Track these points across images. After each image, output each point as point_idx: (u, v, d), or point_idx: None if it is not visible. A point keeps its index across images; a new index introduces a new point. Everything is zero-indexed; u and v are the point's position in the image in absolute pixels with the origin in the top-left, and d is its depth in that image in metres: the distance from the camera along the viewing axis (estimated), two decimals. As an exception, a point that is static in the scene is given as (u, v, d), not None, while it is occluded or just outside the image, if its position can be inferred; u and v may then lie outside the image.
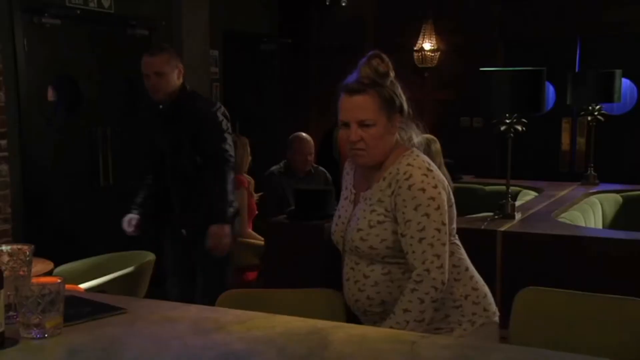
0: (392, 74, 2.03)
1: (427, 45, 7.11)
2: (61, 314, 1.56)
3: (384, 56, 2.03)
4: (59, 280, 1.56)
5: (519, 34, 6.91)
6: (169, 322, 1.69)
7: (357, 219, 2.05)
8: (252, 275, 4.35)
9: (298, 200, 3.70)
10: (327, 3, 5.15)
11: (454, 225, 2.08)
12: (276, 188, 4.82)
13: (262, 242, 3.95)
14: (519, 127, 3.47)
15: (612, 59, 6.32)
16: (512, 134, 3.47)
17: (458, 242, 2.11)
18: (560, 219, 3.62)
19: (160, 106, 3.48)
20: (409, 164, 1.98)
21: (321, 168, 5.20)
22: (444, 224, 1.95)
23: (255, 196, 4.68)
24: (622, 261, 2.99)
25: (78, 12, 4.90)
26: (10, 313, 1.60)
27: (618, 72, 4.70)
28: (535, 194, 4.48)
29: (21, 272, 1.66)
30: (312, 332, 1.58)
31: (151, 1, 5.53)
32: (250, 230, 4.53)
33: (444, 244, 1.94)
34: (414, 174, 1.96)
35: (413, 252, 1.94)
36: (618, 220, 4.52)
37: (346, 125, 2.01)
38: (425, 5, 7.02)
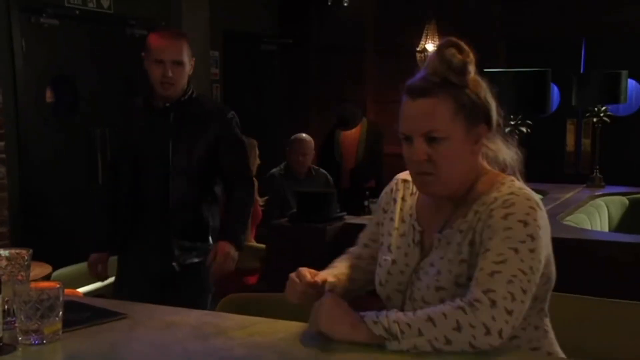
0: (471, 68, 1.52)
1: (430, 46, 7.08)
2: (60, 320, 1.53)
3: (463, 44, 1.54)
4: (57, 285, 1.53)
5: (521, 35, 6.87)
6: (169, 327, 1.66)
7: (435, 273, 1.52)
8: (252, 279, 4.31)
9: (299, 203, 3.68)
10: (329, 3, 5.11)
11: (549, 293, 1.58)
12: (277, 190, 4.80)
13: (263, 246, 3.92)
14: (524, 129, 3.45)
15: (617, 59, 6.28)
16: (516, 136, 3.43)
17: (549, 327, 1.62)
18: (565, 222, 3.59)
19: (167, 104, 2.77)
20: (512, 193, 1.48)
21: (322, 170, 5.18)
22: (533, 272, 1.42)
23: (260, 200, 4.61)
24: (628, 265, 2.95)
25: (77, 12, 4.86)
26: (8, 319, 1.58)
27: (624, 73, 4.66)
28: (540, 196, 4.42)
29: (19, 277, 1.64)
30: (315, 338, 1.53)
31: (151, 1, 5.49)
32: (251, 238, 4.46)
33: (525, 292, 1.40)
34: (517, 203, 1.46)
35: (477, 283, 1.41)
36: (624, 223, 4.49)
37: (408, 139, 1.52)
38: (426, 6, 6.99)
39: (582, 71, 6.52)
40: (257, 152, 4.55)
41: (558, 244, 3.08)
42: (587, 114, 4.89)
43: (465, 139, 1.51)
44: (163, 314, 1.77)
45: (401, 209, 1.66)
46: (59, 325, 1.53)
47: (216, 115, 2.85)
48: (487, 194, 1.50)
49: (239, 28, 6.59)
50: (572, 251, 3.09)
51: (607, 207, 4.40)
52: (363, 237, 1.79)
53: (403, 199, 1.67)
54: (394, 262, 1.61)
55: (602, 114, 4.64)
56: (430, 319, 1.37)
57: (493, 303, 1.36)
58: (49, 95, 4.80)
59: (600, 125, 4.71)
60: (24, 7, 4.52)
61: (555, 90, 6.62)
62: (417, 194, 1.64)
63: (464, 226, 1.51)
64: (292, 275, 1.61)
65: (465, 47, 1.53)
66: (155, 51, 2.71)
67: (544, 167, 6.61)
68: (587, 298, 2.01)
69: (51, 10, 4.67)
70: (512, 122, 3.44)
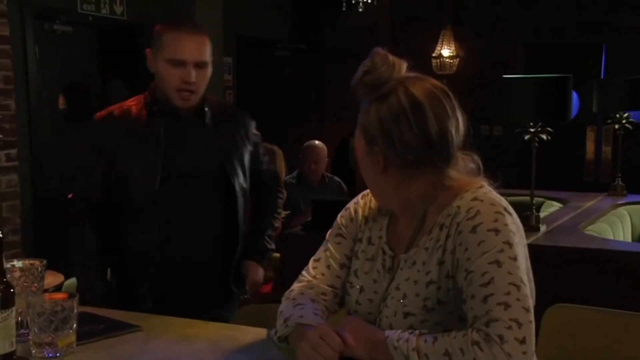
0: (386, 86, 1.39)
1: (446, 52, 7.03)
2: (74, 332, 1.52)
3: (390, 59, 1.41)
4: (72, 297, 1.52)
5: (539, 39, 6.81)
6: (185, 340, 1.64)
7: (401, 297, 1.41)
8: (266, 288, 4.26)
9: (314, 211, 3.62)
10: (343, 9, 5.08)
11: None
12: (290, 199, 4.75)
13: (277, 255, 3.87)
14: (544, 136, 3.38)
15: (639, 64, 6.19)
16: (536, 143, 3.37)
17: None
18: (587, 232, 3.52)
19: (180, 112, 2.21)
20: (475, 199, 1.37)
21: (336, 178, 5.14)
22: (524, 283, 1.30)
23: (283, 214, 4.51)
24: (653, 276, 2.88)
25: (90, 18, 4.85)
26: (22, 331, 1.57)
27: (646, 78, 4.58)
28: (560, 205, 4.38)
29: (33, 288, 1.64)
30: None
31: (163, 8, 5.47)
32: None
33: (527, 309, 1.27)
34: (482, 211, 1.34)
35: (474, 316, 1.29)
36: (648, 233, 4.39)
37: None
38: (443, 11, 6.95)
39: (602, 76, 6.44)
40: (284, 161, 4.50)
41: (580, 254, 3.08)
42: (609, 121, 4.81)
43: (366, 153, 1.43)
44: (178, 326, 1.75)
45: (370, 229, 1.53)
46: (73, 338, 1.52)
47: (244, 120, 2.39)
48: (451, 204, 1.38)
49: (253, 34, 6.57)
50: (595, 262, 3.04)
51: (630, 216, 4.32)
52: (338, 255, 1.56)
53: (373, 219, 1.54)
54: (361, 289, 1.49)
55: (624, 121, 4.56)
56: (447, 354, 1.26)
57: (501, 338, 1.23)
58: (61, 102, 4.79)
59: (622, 132, 4.63)
60: (37, 14, 4.51)
61: (574, 96, 6.53)
62: (387, 216, 1.51)
63: (429, 243, 1.39)
64: (318, 340, 1.35)
65: (391, 62, 1.39)
66: (172, 49, 2.14)
67: (563, 175, 6.55)
68: (614, 311, 1.95)
69: (64, 17, 4.67)
70: (532, 130, 3.37)
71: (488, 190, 1.41)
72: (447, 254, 1.36)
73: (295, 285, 1.58)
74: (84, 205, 2.26)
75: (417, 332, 1.32)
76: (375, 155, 1.41)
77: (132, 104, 2.24)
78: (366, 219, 1.55)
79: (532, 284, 1.42)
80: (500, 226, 1.32)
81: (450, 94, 1.42)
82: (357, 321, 1.44)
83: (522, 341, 1.24)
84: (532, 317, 1.28)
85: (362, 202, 1.58)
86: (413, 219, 1.45)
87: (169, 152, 2.17)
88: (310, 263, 1.60)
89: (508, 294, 1.27)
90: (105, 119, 2.25)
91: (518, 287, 1.27)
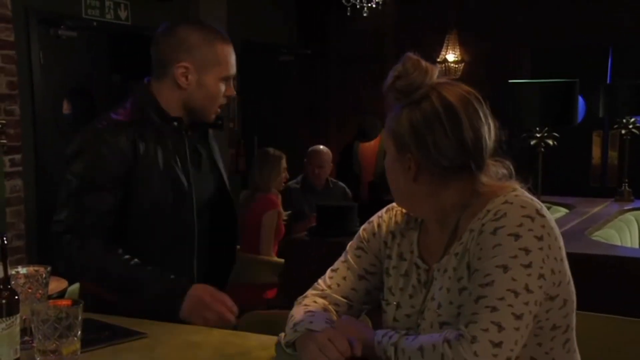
0: (419, 91, 1.38)
1: (451, 57, 7.01)
2: (79, 339, 1.49)
3: (423, 64, 1.41)
4: (76, 304, 1.50)
5: (544, 44, 6.77)
6: (191, 347, 1.63)
7: (436, 307, 1.37)
8: (271, 294, 4.25)
9: (319, 216, 3.61)
10: (348, 13, 5.07)
11: (573, 320, 1.40)
12: (294, 204, 4.74)
13: (282, 260, 3.86)
14: (550, 141, 3.36)
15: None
16: (542, 148, 3.35)
17: (576, 348, 1.43)
18: (594, 238, 3.49)
19: (177, 123, 2.00)
20: (506, 202, 1.33)
21: (340, 183, 5.13)
22: (530, 291, 1.25)
23: (284, 214, 4.52)
24: (662, 283, 2.85)
25: (94, 23, 4.85)
26: (26, 338, 1.55)
27: (653, 83, 4.56)
28: (566, 210, 4.35)
29: (37, 295, 1.62)
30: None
31: (168, 12, 5.47)
32: (273, 253, 4.38)
33: (519, 316, 1.24)
34: (509, 214, 1.30)
35: (463, 315, 1.30)
36: (656, 239, 4.36)
37: None
38: (448, 16, 6.92)
39: (608, 81, 6.41)
40: (285, 166, 4.48)
41: (586, 260, 3.05)
42: (616, 126, 4.78)
43: (397, 160, 1.40)
44: (184, 333, 1.74)
45: (398, 245, 1.50)
46: (78, 345, 1.49)
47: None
48: (482, 209, 1.35)
49: (257, 39, 6.56)
50: (601, 268, 3.02)
51: (637, 222, 4.29)
52: (357, 267, 1.55)
53: (401, 234, 1.50)
54: (398, 306, 1.46)
55: (630, 126, 4.54)
56: (421, 349, 1.27)
57: (474, 338, 1.22)
58: (66, 107, 4.78)
59: (629, 137, 4.60)
60: (42, 19, 4.51)
61: (580, 101, 6.51)
62: (417, 229, 1.48)
63: (459, 248, 1.35)
64: (326, 341, 1.35)
65: (424, 67, 1.38)
66: (225, 64, 1.97)
67: (569, 180, 6.51)
68: (617, 318, 1.94)
69: (69, 22, 4.67)
70: (538, 135, 3.35)
71: (521, 193, 1.37)
72: (470, 256, 1.33)
73: (310, 292, 1.59)
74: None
75: (403, 332, 1.34)
76: (407, 162, 1.38)
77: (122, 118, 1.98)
78: (393, 234, 1.52)
79: (571, 290, 1.38)
80: (523, 231, 1.28)
81: (482, 99, 1.41)
82: (348, 320, 1.45)
83: (497, 345, 1.22)
84: (522, 324, 1.24)
85: (386, 217, 1.55)
86: (445, 227, 1.41)
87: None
88: (328, 272, 1.60)
89: (502, 299, 1.24)
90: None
91: (517, 294, 1.24)
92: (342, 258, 1.59)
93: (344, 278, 1.55)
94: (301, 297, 1.59)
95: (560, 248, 1.34)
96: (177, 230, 1.95)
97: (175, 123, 1.98)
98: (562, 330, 1.38)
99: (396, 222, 1.52)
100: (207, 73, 1.96)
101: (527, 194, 1.38)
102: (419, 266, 1.45)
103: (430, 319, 1.38)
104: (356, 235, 1.59)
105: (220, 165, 2.13)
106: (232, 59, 1.98)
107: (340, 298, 1.54)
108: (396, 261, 1.49)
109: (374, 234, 1.55)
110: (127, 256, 1.87)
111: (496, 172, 1.41)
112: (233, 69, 1.99)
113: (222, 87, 1.98)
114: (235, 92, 2.03)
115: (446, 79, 1.42)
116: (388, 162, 1.44)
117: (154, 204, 1.91)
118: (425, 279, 1.43)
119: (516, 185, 1.40)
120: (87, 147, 1.94)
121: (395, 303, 1.47)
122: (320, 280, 1.60)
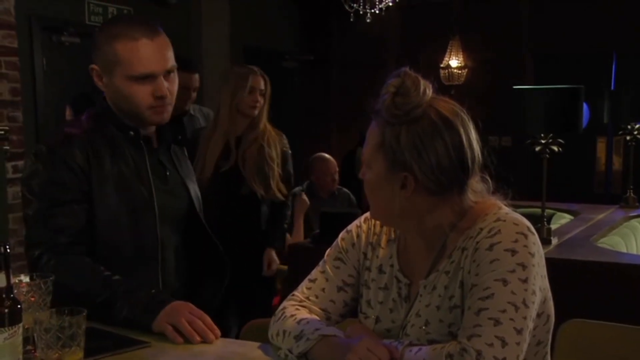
0: (415, 111, 1.34)
1: (454, 62, 7.00)
2: (82, 349, 1.48)
3: (419, 81, 1.38)
4: (80, 313, 1.49)
5: (549, 49, 6.77)
6: (194, 356, 1.62)
7: (422, 324, 1.38)
8: (274, 300, 4.22)
9: (322, 223, 3.59)
10: (351, 19, 5.07)
11: (548, 341, 1.43)
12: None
13: (285, 267, 3.84)
14: (555, 148, 3.34)
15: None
16: (547, 155, 3.33)
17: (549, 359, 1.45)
18: (599, 244, 3.47)
19: (133, 133, 1.96)
20: (498, 220, 1.34)
21: (344, 189, 5.11)
22: (527, 306, 1.26)
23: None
24: (668, 290, 2.83)
25: (97, 30, 4.85)
26: (28, 347, 1.53)
27: (658, 89, 4.55)
28: (571, 217, 4.34)
29: (40, 304, 1.59)
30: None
31: (171, 18, 5.47)
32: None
33: (520, 331, 1.24)
34: (503, 231, 1.32)
35: (463, 327, 1.28)
36: (662, 246, 4.33)
37: None
38: (451, 21, 6.93)
39: (612, 86, 6.40)
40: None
41: (592, 267, 3.03)
42: (620, 132, 4.77)
43: (386, 177, 1.36)
44: (187, 342, 1.71)
45: (378, 257, 1.47)
46: (81, 355, 1.48)
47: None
48: (472, 227, 1.35)
49: (260, 45, 6.57)
50: (608, 275, 3.00)
51: (643, 228, 4.27)
52: (335, 278, 1.52)
53: (380, 246, 1.48)
54: (377, 320, 1.45)
55: (635, 132, 4.52)
56: None
57: (479, 353, 1.21)
58: (69, 114, 4.77)
59: (633, 143, 4.59)
60: (45, 26, 4.52)
61: (584, 107, 6.49)
62: (396, 242, 1.47)
63: (451, 267, 1.35)
64: (366, 352, 1.32)
65: (420, 85, 1.34)
66: (127, 63, 1.83)
67: (572, 186, 6.50)
68: (622, 326, 1.92)
69: (72, 28, 4.68)
70: (543, 141, 3.33)
71: (508, 211, 1.38)
72: (464, 274, 1.33)
73: (288, 303, 1.55)
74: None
75: (407, 342, 1.31)
76: (400, 179, 1.35)
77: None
78: (372, 245, 1.50)
79: (551, 306, 1.40)
80: (518, 247, 1.29)
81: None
82: (362, 326, 1.44)
83: None
84: (523, 339, 1.24)
85: (365, 227, 1.53)
86: (430, 244, 1.40)
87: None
88: (305, 282, 1.57)
89: (503, 311, 1.24)
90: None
91: (517, 308, 1.24)
92: (319, 268, 1.56)
93: (323, 290, 1.53)
94: (279, 309, 1.54)
95: (544, 265, 1.36)
96: (138, 240, 1.87)
97: (132, 133, 1.90)
98: (544, 345, 1.41)
99: (375, 234, 1.51)
100: (112, 74, 1.88)
101: (513, 212, 1.38)
102: (400, 280, 1.44)
103: (416, 335, 1.37)
104: (334, 244, 1.57)
105: (190, 184, 2.02)
106: (142, 55, 1.81)
107: (318, 310, 1.52)
108: (375, 274, 1.48)
109: (353, 245, 1.52)
110: (107, 272, 1.79)
111: (478, 187, 1.41)
112: (143, 67, 1.81)
113: (140, 87, 1.84)
114: (165, 91, 1.84)
115: (434, 94, 1.38)
116: (373, 178, 1.39)
117: (112, 213, 1.84)
118: (406, 294, 1.42)
119: (498, 202, 1.41)
120: (42, 166, 1.83)
121: (374, 317, 1.46)
122: (296, 291, 1.57)
